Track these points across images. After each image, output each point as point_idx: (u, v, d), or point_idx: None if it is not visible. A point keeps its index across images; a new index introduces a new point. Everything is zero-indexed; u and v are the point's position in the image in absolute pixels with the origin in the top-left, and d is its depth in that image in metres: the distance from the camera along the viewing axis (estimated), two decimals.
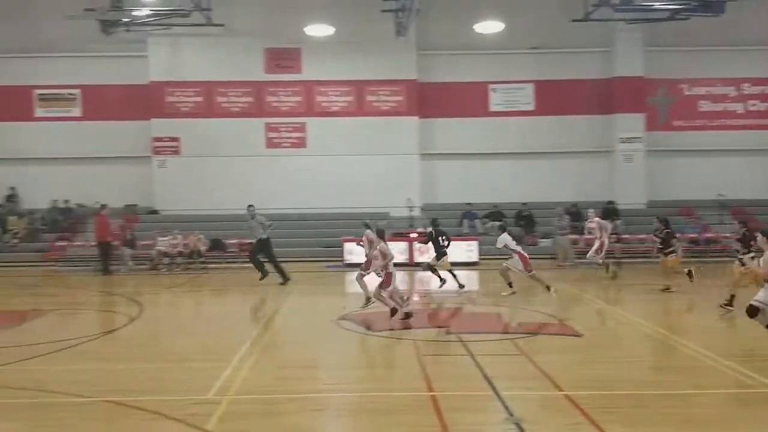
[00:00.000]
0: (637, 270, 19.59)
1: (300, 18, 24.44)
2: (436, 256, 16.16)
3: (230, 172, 24.83)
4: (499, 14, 24.18)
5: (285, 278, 17.72)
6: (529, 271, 14.67)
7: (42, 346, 10.50)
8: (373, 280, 12.96)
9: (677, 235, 16.15)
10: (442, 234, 16.25)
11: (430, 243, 16.41)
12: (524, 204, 24.56)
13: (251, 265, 18.57)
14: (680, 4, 22.79)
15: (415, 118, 25.30)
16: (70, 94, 25.77)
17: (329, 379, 9.03)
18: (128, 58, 25.11)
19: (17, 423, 7.46)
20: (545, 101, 25.62)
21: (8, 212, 24.61)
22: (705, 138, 25.77)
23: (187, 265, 21.26)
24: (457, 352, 9.98)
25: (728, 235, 19.89)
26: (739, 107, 26.14)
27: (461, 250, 21.03)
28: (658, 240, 15.66)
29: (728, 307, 12.12)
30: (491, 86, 25.77)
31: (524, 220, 24.22)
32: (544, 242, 22.99)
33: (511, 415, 7.17)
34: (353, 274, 17.76)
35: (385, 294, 12.26)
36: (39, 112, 25.68)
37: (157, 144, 25.21)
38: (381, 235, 12.68)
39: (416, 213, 24.12)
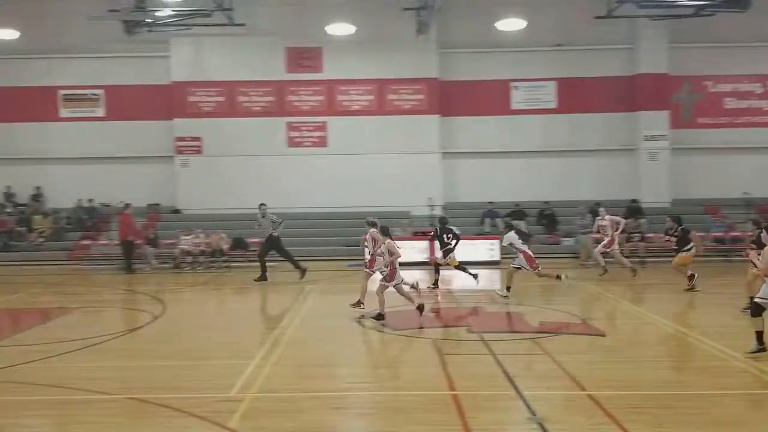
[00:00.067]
0: (661, 269, 19.35)
1: (321, 17, 24.47)
2: (443, 253, 16.10)
3: (252, 171, 24.94)
4: (520, 12, 24.02)
5: (301, 270, 17.92)
6: (535, 269, 14.53)
7: (67, 343, 10.63)
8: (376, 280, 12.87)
9: (692, 232, 15.91)
10: (449, 231, 16.17)
11: (437, 241, 16.33)
12: (546, 203, 24.41)
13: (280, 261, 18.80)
14: (705, 0, 22.48)
15: (436, 117, 25.24)
16: (94, 94, 26.04)
17: (350, 378, 9.03)
18: (151, 58, 25.33)
19: (43, 419, 7.56)
20: (568, 99, 25.41)
21: (34, 211, 24.91)
22: (730, 135, 25.43)
23: (209, 264, 21.38)
24: (479, 351, 9.93)
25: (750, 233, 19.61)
26: (765, 104, 25.76)
27: (483, 249, 20.94)
28: (673, 239, 15.46)
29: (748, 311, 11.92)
30: (513, 84, 25.62)
31: (546, 219, 24.08)
32: (567, 241, 22.82)
33: (534, 414, 7.13)
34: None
35: (389, 287, 12.18)
36: (64, 112, 25.98)
37: (180, 144, 25.39)
38: (386, 232, 12.61)
39: (438, 212, 24.03)
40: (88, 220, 24.61)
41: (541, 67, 25.47)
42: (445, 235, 16.04)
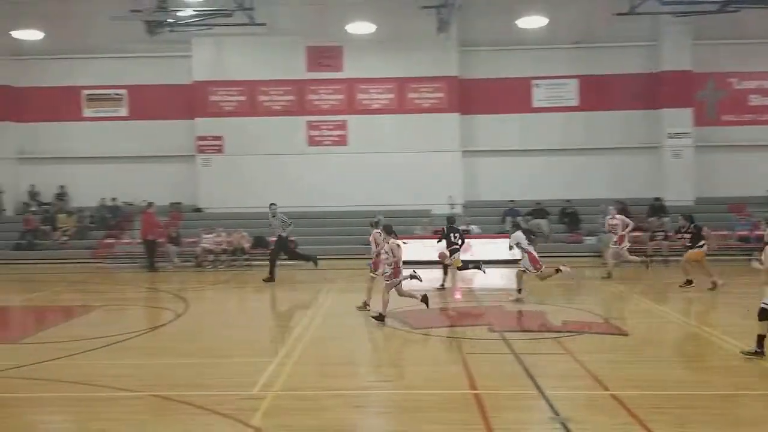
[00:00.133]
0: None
1: (341, 16, 24.49)
2: (449, 252, 15.97)
3: (272, 170, 25.03)
4: (542, 9, 23.85)
5: (313, 261, 18.44)
6: (538, 270, 14.36)
7: (91, 341, 10.74)
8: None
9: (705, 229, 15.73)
10: (456, 231, 16.12)
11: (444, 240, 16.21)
12: (568, 201, 24.25)
13: (293, 261, 18.84)
14: None
15: (457, 115, 25.16)
16: (117, 94, 26.29)
17: (371, 376, 9.04)
18: (172, 58, 25.51)
19: (68, 416, 7.63)
20: (590, 96, 25.21)
21: (58, 210, 25.20)
22: (755, 133, 25.09)
23: (231, 263, 21.49)
24: (500, 350, 9.89)
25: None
26: None
27: (504, 248, 20.75)
28: (687, 236, 15.30)
29: None
30: (534, 82, 25.47)
31: (568, 218, 23.92)
32: (589, 240, 22.66)
33: (557, 414, 7.08)
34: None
35: (391, 285, 12.14)
36: (87, 112, 26.26)
37: (201, 143, 25.55)
38: (389, 231, 12.57)
39: (458, 210, 23.97)
40: (112, 218, 24.84)
41: (562, 65, 25.30)
42: (452, 235, 15.98)
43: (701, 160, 24.74)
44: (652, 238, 21.30)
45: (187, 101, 25.52)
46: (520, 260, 14.53)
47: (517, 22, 24.17)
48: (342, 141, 25.58)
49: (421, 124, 25.13)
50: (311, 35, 25.11)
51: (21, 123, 26.06)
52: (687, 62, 24.62)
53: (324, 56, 25.44)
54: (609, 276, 17.09)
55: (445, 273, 16.15)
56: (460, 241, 15.97)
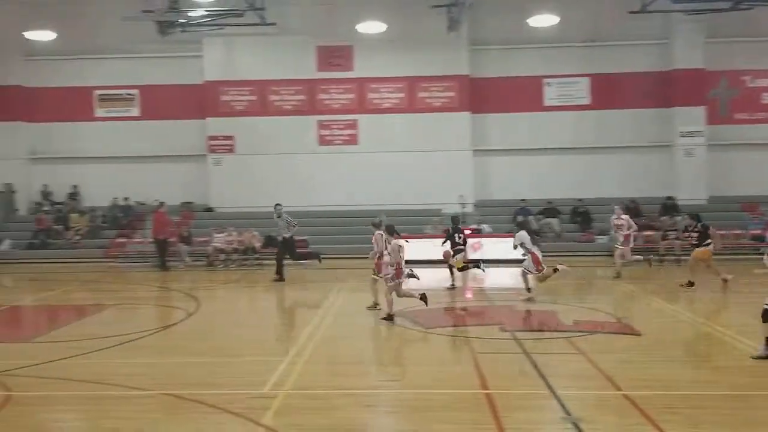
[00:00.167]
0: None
1: (352, 15, 24.47)
2: (453, 253, 15.94)
3: (283, 169, 25.05)
4: (553, 7, 23.73)
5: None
6: (539, 272, 14.30)
7: (103, 340, 10.80)
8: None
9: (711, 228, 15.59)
10: (460, 231, 16.17)
11: (448, 240, 16.17)
12: (580, 200, 24.15)
13: (302, 261, 18.95)
14: None
15: (467, 114, 25.10)
16: (129, 94, 26.40)
17: (382, 376, 9.04)
18: (184, 58, 25.57)
19: (80, 414, 7.68)
20: (601, 95, 25.08)
21: (71, 210, 25.34)
22: None
23: (242, 262, 21.53)
24: (512, 350, 9.87)
25: None
26: None
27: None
28: (694, 236, 15.20)
29: None
30: (545, 80, 25.36)
31: (580, 217, 23.82)
32: (601, 239, 22.55)
33: (569, 414, 7.06)
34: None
35: (394, 287, 12.14)
36: (99, 112, 26.38)
37: (213, 143, 25.61)
38: (391, 231, 12.54)
39: (469, 209, 23.92)
40: (124, 218, 24.96)
41: (573, 63, 25.18)
42: (456, 235, 15.99)
43: (714, 159, 24.56)
44: (664, 238, 21.17)
45: (198, 101, 25.60)
46: (524, 261, 14.50)
47: (528, 20, 24.07)
48: (353, 140, 25.58)
49: (431, 124, 25.09)
50: (322, 35, 25.12)
51: (33, 123, 26.20)
52: (699, 60, 24.45)
53: (334, 56, 25.45)
54: (618, 276, 17.02)
55: (452, 273, 16.12)
56: (463, 241, 15.98)
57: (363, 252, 22.06)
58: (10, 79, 25.75)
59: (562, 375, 8.56)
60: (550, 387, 7.95)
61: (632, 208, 22.92)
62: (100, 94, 26.29)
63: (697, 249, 15.11)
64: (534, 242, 14.63)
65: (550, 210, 23.78)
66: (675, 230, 21.22)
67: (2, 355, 10.11)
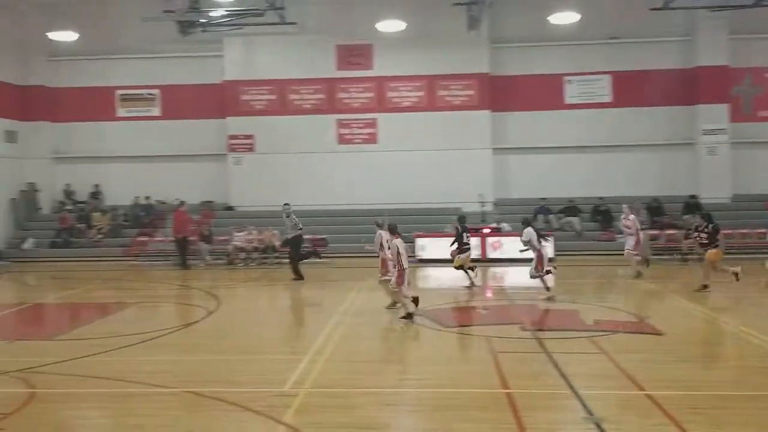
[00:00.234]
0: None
1: (371, 14, 24.46)
2: (459, 252, 15.98)
3: (303, 168, 25.12)
4: (574, 4, 23.56)
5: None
6: (539, 272, 14.19)
7: (125, 337, 10.88)
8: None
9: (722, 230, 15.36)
10: (468, 231, 16.29)
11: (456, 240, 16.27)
12: (601, 198, 23.96)
13: (321, 260, 18.98)
14: None
15: (488, 112, 24.99)
16: (150, 94, 26.60)
17: (403, 374, 9.02)
18: (204, 58, 25.72)
19: (104, 412, 7.75)
20: (623, 93, 24.86)
21: (93, 209, 25.58)
22: None
23: (261, 260, 21.62)
24: (533, 349, 9.81)
25: None
26: None
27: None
28: (704, 236, 14.97)
29: None
30: (567, 78, 25.18)
31: (601, 216, 23.63)
32: (622, 238, 22.31)
33: (591, 414, 7.00)
34: (425, 270, 17.75)
35: (404, 290, 12.13)
36: (121, 112, 26.61)
37: (233, 142, 25.73)
38: (392, 230, 12.51)
39: (489, 208, 23.82)
40: (145, 217, 25.15)
41: (595, 61, 24.98)
42: (465, 235, 16.04)
43: (737, 157, 24.26)
44: (686, 236, 20.90)
45: (218, 101, 25.73)
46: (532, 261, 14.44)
47: (548, 18, 23.92)
48: (372, 139, 25.57)
49: (451, 122, 25.01)
50: (341, 34, 25.14)
51: (57, 123, 26.49)
52: (723, 57, 24.16)
53: (354, 54, 25.46)
54: (639, 275, 16.85)
55: (467, 273, 16.08)
56: (469, 241, 16.11)
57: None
58: (34, 80, 26.05)
59: (583, 374, 8.49)
60: (571, 386, 7.90)
61: (654, 207, 22.75)
62: (122, 94, 26.51)
63: (709, 251, 14.85)
64: (539, 240, 14.53)
65: (570, 209, 23.62)
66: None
67: (26, 353, 10.25)
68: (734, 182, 24.20)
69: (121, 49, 25.78)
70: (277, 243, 21.84)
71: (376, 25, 24.46)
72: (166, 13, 22.53)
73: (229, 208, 25.61)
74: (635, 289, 15.77)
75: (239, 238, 21.92)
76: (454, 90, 25.17)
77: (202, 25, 23.71)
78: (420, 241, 21.18)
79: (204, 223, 23.39)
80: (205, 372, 9.03)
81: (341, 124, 25.60)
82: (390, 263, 12.40)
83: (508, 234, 21.56)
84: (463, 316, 13.26)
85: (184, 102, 26.06)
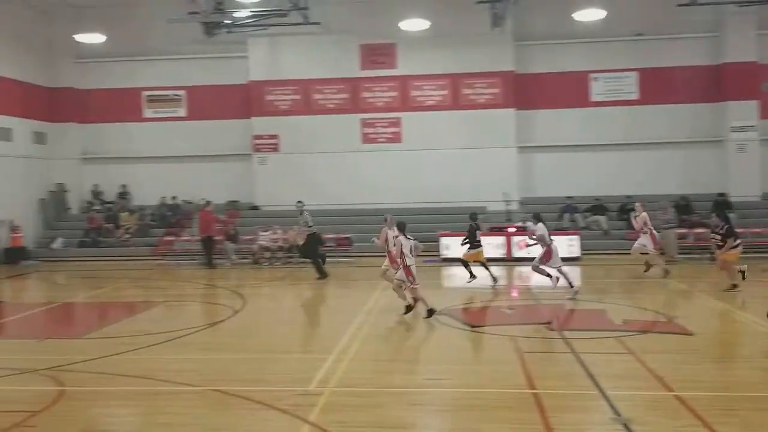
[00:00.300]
0: (751, 265, 18.50)
1: (395, 13, 24.45)
2: (470, 248, 16.04)
3: (327, 168, 25.16)
4: (599, 1, 23.35)
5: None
6: (538, 266, 14.31)
7: (153, 336, 10.98)
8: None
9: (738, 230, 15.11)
10: (480, 228, 16.53)
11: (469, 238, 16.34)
12: (628, 197, 23.66)
13: (344, 259, 18.94)
14: None
15: (512, 111, 24.84)
16: (176, 95, 26.83)
17: (428, 374, 8.99)
18: (229, 59, 25.88)
19: (134, 409, 7.83)
20: (650, 90, 24.57)
21: (120, 209, 25.87)
22: None
23: (287, 259, 21.70)
24: (559, 350, 9.73)
25: None
26: None
27: (562, 245, 20.41)
28: (718, 238, 14.74)
29: None
30: (592, 75, 24.95)
31: (628, 214, 23.32)
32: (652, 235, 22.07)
33: (619, 415, 6.93)
34: (450, 269, 17.70)
35: (419, 293, 12.15)
36: (147, 112, 26.89)
37: (258, 142, 25.87)
38: (402, 228, 12.51)
39: (514, 207, 23.69)
40: (172, 216, 25.37)
41: (621, 58, 24.71)
42: (477, 232, 16.17)
43: None
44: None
45: (243, 101, 25.88)
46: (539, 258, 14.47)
47: (573, 15, 23.71)
48: (396, 138, 25.55)
49: (476, 120, 24.90)
50: (365, 33, 25.14)
51: (85, 124, 26.85)
52: (752, 53, 23.77)
53: (378, 54, 25.45)
54: (667, 273, 16.63)
55: (487, 269, 16.05)
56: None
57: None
58: (62, 81, 26.41)
59: (611, 375, 8.40)
60: (599, 387, 7.82)
61: (683, 205, 22.45)
62: (149, 95, 26.78)
63: (727, 252, 14.59)
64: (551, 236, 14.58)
65: (597, 207, 23.40)
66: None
67: (56, 351, 10.39)
68: (764, 180, 23.82)
69: (148, 51, 26.05)
70: (302, 242, 21.90)
71: (399, 24, 24.43)
72: (192, 14, 22.75)
73: (254, 208, 25.76)
74: (663, 289, 15.58)
75: (264, 238, 22.03)
76: (478, 88, 25.06)
77: (227, 26, 23.88)
78: (444, 240, 21.12)
79: (229, 222, 23.54)
80: (231, 371, 9.09)
81: (365, 123, 25.62)
82: (395, 258, 12.44)
83: (532, 233, 21.38)
84: (488, 315, 13.21)
85: (209, 102, 26.26)
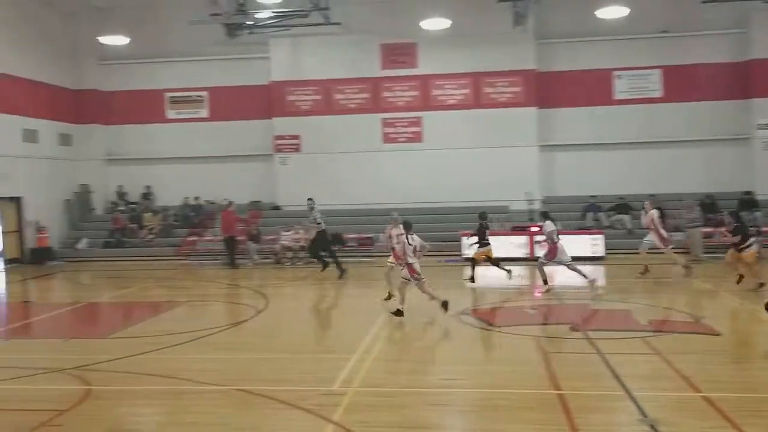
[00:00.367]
0: None
1: (415, 12, 24.42)
2: (479, 246, 16.11)
3: (348, 167, 25.20)
4: None
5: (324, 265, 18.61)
6: (548, 260, 14.51)
7: (176, 336, 11.05)
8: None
9: (752, 228, 14.92)
10: (489, 227, 16.65)
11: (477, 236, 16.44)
12: (652, 195, 23.39)
13: (365, 259, 18.94)
14: None
15: (534, 109, 24.70)
16: (198, 96, 27.03)
17: (451, 374, 8.95)
18: (251, 60, 26.01)
19: (159, 409, 7.88)
20: (674, 87, 24.32)
21: (144, 209, 26.11)
22: None
23: (309, 259, 21.72)
24: (584, 350, 9.64)
25: None
26: None
27: (585, 245, 20.31)
28: (729, 235, 14.52)
29: None
30: (615, 73, 24.74)
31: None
32: (676, 235, 21.82)
33: (645, 416, 6.85)
34: (470, 269, 17.59)
35: (426, 288, 12.20)
36: (170, 114, 27.11)
37: (279, 142, 25.97)
38: (408, 227, 12.51)
39: (536, 206, 23.54)
40: (195, 217, 25.55)
41: (645, 55, 24.48)
42: (486, 231, 16.28)
43: None
44: None
45: (265, 101, 26.00)
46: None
47: (596, 12, 23.51)
48: (417, 137, 25.52)
49: (497, 119, 24.79)
50: (385, 33, 25.13)
51: (108, 126, 27.15)
52: None
53: (398, 53, 25.44)
54: (688, 270, 16.41)
55: (499, 267, 16.06)
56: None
57: (430, 250, 22.12)
58: (86, 83, 26.72)
59: (637, 375, 8.31)
60: (625, 388, 7.74)
61: (708, 204, 22.18)
62: (171, 97, 27.00)
63: (744, 252, 14.38)
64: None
65: (621, 206, 23.18)
66: (755, 226, 20.40)
67: (81, 350, 10.50)
68: None
69: (170, 53, 26.26)
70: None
71: (420, 24, 24.39)
72: (213, 16, 22.90)
73: (276, 208, 25.86)
74: (689, 289, 15.40)
75: (286, 238, 22.10)
76: (499, 87, 24.96)
77: (249, 27, 23.99)
78: (466, 240, 21.01)
79: (252, 222, 23.65)
80: (254, 370, 9.12)
81: (386, 123, 25.61)
82: (401, 255, 12.49)
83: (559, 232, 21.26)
84: (511, 315, 13.13)
85: (231, 103, 26.42)
